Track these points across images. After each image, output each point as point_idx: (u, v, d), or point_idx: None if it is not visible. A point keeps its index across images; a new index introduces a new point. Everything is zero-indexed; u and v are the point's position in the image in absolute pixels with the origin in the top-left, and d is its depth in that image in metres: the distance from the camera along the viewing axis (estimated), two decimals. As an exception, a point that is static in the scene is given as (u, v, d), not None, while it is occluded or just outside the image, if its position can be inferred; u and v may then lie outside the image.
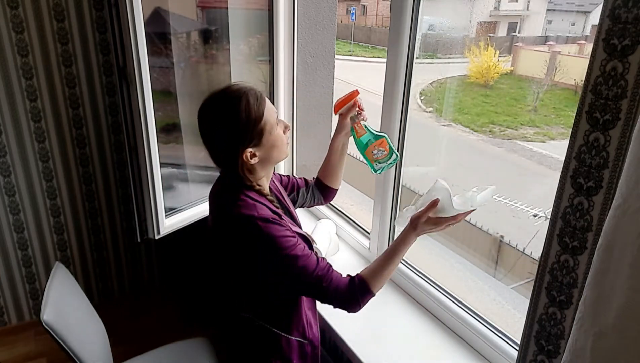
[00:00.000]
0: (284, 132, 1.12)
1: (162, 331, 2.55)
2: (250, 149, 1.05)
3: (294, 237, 1.05)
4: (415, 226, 1.09)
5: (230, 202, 1.07)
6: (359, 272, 1.10)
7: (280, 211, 1.11)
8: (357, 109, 1.24)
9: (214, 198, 1.15)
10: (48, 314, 1.27)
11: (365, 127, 1.22)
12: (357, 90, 1.25)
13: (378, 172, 1.25)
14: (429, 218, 1.09)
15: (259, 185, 1.11)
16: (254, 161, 1.06)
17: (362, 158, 1.24)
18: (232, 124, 1.03)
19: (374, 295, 1.10)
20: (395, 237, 1.21)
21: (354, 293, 1.07)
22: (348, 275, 1.10)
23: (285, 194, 1.29)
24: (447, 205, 1.07)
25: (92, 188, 2.51)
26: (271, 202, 1.11)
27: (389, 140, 1.22)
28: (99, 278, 2.70)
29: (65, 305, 1.40)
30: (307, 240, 1.12)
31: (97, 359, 1.44)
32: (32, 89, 2.21)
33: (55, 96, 2.27)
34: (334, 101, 1.31)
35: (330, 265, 1.09)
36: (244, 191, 1.08)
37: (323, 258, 1.10)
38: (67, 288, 1.48)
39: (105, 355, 1.54)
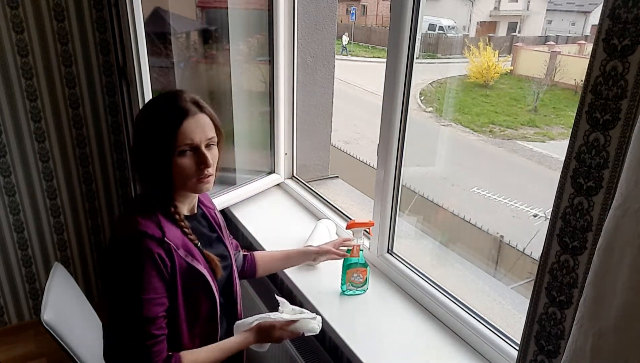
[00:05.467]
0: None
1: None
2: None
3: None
4: (257, 336, 1.12)
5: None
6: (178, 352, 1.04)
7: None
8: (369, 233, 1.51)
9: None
10: (48, 314, 1.27)
11: (361, 252, 1.41)
12: (373, 222, 1.50)
13: (344, 292, 1.46)
14: (284, 331, 1.13)
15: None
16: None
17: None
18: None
19: None
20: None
21: None
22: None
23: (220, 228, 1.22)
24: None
25: (92, 188, 2.51)
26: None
27: (368, 274, 1.45)
28: (98, 278, 2.70)
29: (65, 305, 1.40)
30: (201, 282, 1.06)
31: (96, 359, 1.44)
32: (32, 89, 2.21)
33: (55, 96, 2.27)
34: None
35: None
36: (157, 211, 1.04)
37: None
38: (66, 288, 1.48)
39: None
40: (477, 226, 4.72)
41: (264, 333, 1.14)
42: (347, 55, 14.51)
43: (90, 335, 1.48)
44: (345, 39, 14.71)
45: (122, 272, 0.98)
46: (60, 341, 1.27)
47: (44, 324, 1.24)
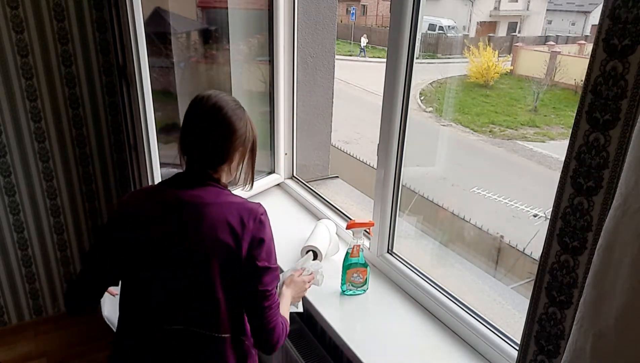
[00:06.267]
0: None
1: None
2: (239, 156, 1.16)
3: None
4: (291, 288, 1.31)
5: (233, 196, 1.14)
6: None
7: None
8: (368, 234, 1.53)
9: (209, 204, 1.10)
10: (107, 309, 1.31)
11: (361, 252, 1.43)
12: (373, 222, 1.51)
13: (344, 292, 1.48)
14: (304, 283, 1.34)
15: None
16: (235, 167, 1.17)
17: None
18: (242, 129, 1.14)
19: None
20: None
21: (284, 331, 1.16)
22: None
23: None
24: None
25: (92, 188, 2.51)
26: None
27: (368, 274, 1.46)
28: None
29: (116, 301, 1.44)
30: None
31: None
32: (32, 89, 2.21)
33: (55, 96, 2.27)
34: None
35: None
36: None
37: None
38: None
39: None
40: (477, 226, 4.72)
41: (297, 286, 1.33)
42: (364, 56, 14.50)
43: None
44: (363, 40, 14.72)
45: (268, 242, 1.11)
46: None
47: (106, 319, 1.29)
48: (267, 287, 1.09)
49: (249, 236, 1.07)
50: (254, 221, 1.09)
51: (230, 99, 1.14)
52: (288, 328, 1.17)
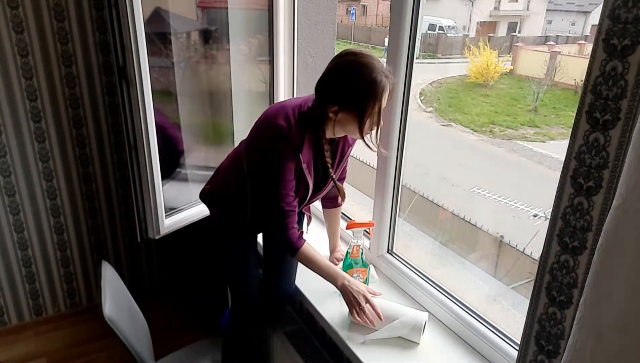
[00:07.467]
0: (371, 127, 1.23)
1: (162, 332, 2.55)
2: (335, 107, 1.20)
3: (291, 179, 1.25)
4: (344, 285, 1.28)
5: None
6: (304, 240, 1.31)
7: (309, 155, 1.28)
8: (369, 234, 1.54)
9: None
10: (108, 309, 1.31)
11: (361, 253, 1.44)
12: (373, 222, 1.51)
13: None
14: (360, 298, 1.27)
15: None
16: (331, 116, 1.22)
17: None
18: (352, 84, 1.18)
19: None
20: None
21: (290, 245, 1.29)
22: (300, 233, 1.31)
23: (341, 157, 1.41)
24: (394, 325, 1.28)
25: (92, 189, 2.51)
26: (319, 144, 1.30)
27: (369, 274, 1.48)
28: (99, 278, 2.70)
29: (118, 301, 1.46)
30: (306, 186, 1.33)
31: (148, 352, 1.47)
32: (32, 89, 2.21)
33: (55, 96, 2.27)
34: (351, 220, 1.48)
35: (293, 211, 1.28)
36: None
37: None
38: (116, 284, 1.54)
39: (149, 349, 1.56)
40: (477, 226, 4.71)
41: (348, 292, 1.27)
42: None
43: (139, 329, 1.52)
44: (387, 41, 14.82)
45: (259, 148, 1.31)
46: (120, 335, 1.31)
47: (107, 319, 1.28)
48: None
49: (254, 133, 1.30)
50: (268, 128, 1.25)
51: (371, 63, 1.15)
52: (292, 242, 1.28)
